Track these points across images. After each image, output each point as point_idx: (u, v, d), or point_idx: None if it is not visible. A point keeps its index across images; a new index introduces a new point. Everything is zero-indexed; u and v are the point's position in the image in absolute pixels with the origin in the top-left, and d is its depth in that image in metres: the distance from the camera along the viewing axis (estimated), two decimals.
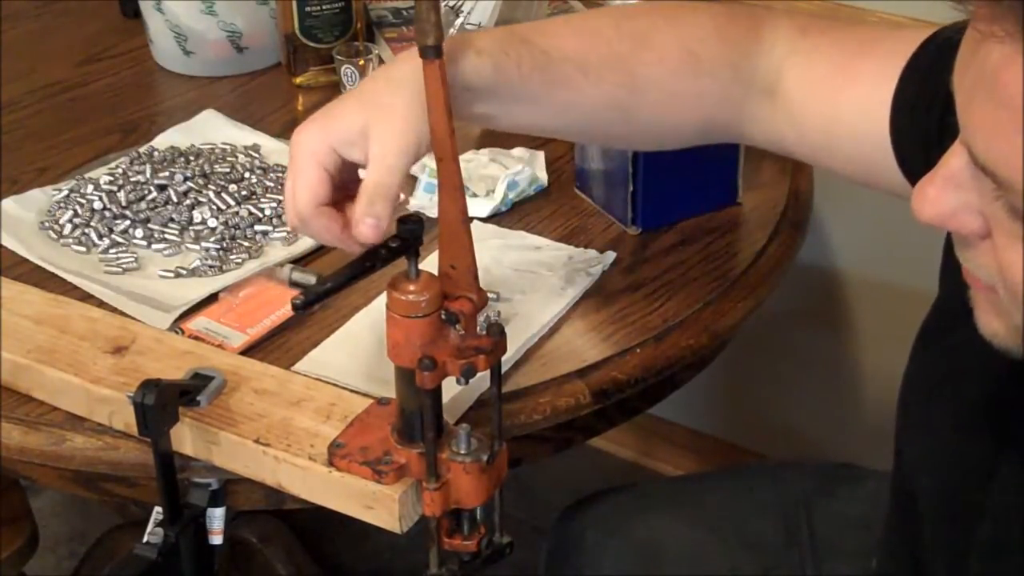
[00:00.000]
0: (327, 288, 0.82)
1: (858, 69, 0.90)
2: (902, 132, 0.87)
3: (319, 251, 1.20)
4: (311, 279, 1.12)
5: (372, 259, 0.83)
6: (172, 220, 1.22)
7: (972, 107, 0.60)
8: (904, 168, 0.88)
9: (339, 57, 1.46)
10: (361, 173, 0.87)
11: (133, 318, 1.09)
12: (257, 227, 1.22)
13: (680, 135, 1.00)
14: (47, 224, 1.23)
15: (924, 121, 0.84)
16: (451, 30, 1.46)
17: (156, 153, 1.33)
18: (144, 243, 1.20)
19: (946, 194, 0.64)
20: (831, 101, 0.91)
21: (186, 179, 1.25)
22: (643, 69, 0.94)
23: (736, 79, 0.94)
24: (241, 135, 1.39)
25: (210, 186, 1.25)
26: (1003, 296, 0.64)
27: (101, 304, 1.11)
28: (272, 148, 1.36)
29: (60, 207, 1.25)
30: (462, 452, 0.86)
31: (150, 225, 1.22)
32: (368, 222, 0.83)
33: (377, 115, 0.86)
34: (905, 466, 0.90)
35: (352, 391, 0.99)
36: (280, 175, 1.29)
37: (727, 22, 0.96)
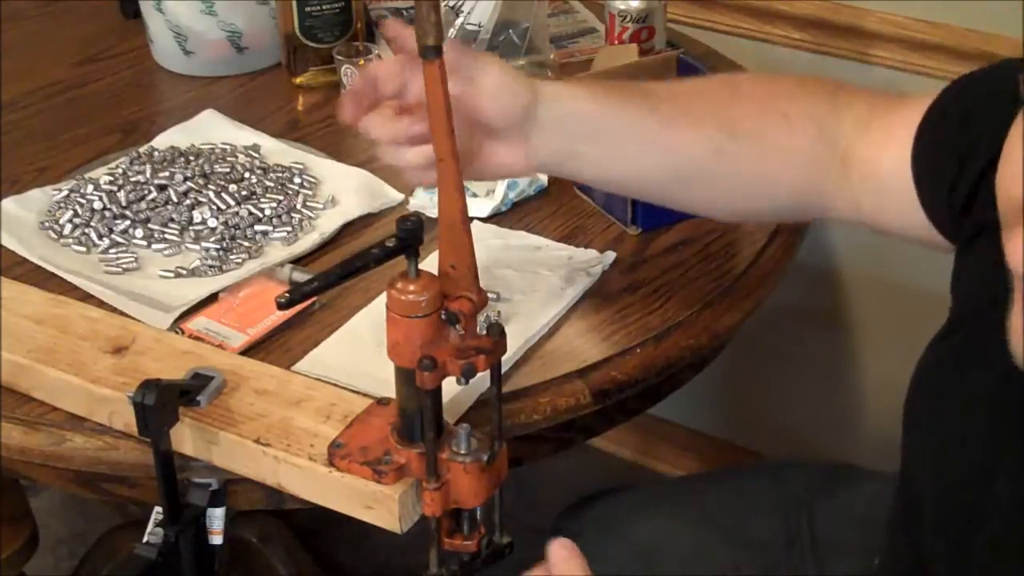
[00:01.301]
0: (314, 287, 0.83)
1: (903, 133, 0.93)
2: (922, 170, 0.89)
3: (319, 251, 1.20)
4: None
5: (364, 259, 0.83)
6: (172, 220, 1.22)
7: None
8: (925, 205, 0.90)
9: (339, 57, 1.46)
10: None
11: (133, 318, 1.09)
12: (257, 227, 1.22)
13: (772, 197, 1.01)
14: (47, 224, 1.23)
15: (942, 158, 0.86)
16: (451, 30, 1.46)
17: (156, 153, 1.33)
18: (144, 243, 1.20)
19: None
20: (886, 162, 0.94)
21: (186, 179, 1.25)
22: (740, 119, 0.97)
23: (821, 140, 0.96)
24: (241, 135, 1.39)
25: (210, 186, 1.25)
26: None
27: (101, 304, 1.11)
28: (272, 148, 1.36)
29: (60, 207, 1.25)
30: (462, 452, 0.86)
31: (150, 225, 1.22)
32: None
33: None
34: (909, 465, 0.90)
35: (352, 391, 0.99)
36: (280, 175, 1.29)
37: (814, 87, 1.00)
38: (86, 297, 1.12)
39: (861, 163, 0.95)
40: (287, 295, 0.82)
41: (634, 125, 0.97)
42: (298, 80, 1.53)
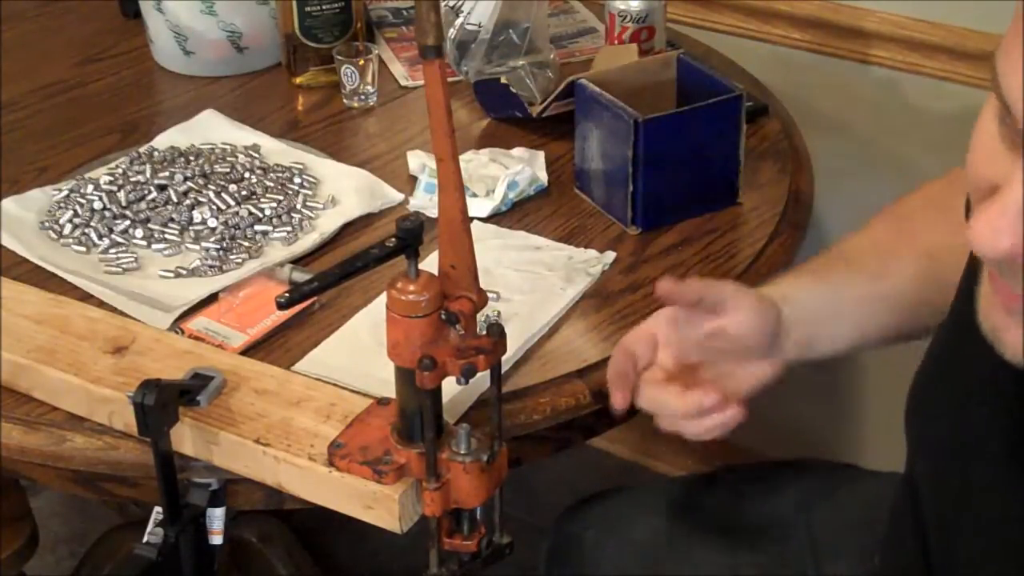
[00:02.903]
0: (314, 287, 0.82)
1: None
2: None
3: (319, 251, 1.20)
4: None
5: (363, 259, 0.83)
6: (172, 220, 1.22)
7: None
8: None
9: (339, 57, 1.46)
10: None
11: (133, 318, 1.09)
12: (257, 227, 1.22)
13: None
14: (47, 224, 1.23)
15: None
16: (451, 30, 1.46)
17: (156, 153, 1.33)
18: (144, 243, 1.20)
19: (1021, 223, 0.60)
20: None
21: (186, 179, 1.25)
22: (929, 235, 0.99)
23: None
24: (241, 135, 1.39)
25: (210, 186, 1.25)
26: None
27: (101, 304, 1.11)
28: (272, 148, 1.36)
29: (60, 207, 1.25)
30: (462, 452, 0.86)
31: (150, 225, 1.22)
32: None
33: None
34: (910, 455, 0.90)
35: (352, 391, 0.99)
36: (280, 175, 1.29)
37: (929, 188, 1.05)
38: (86, 297, 1.12)
39: None
40: (287, 295, 0.82)
41: (856, 290, 1.00)
42: (298, 80, 1.53)
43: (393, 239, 0.83)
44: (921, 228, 1.01)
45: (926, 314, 0.97)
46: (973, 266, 0.73)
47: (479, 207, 1.24)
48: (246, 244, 1.20)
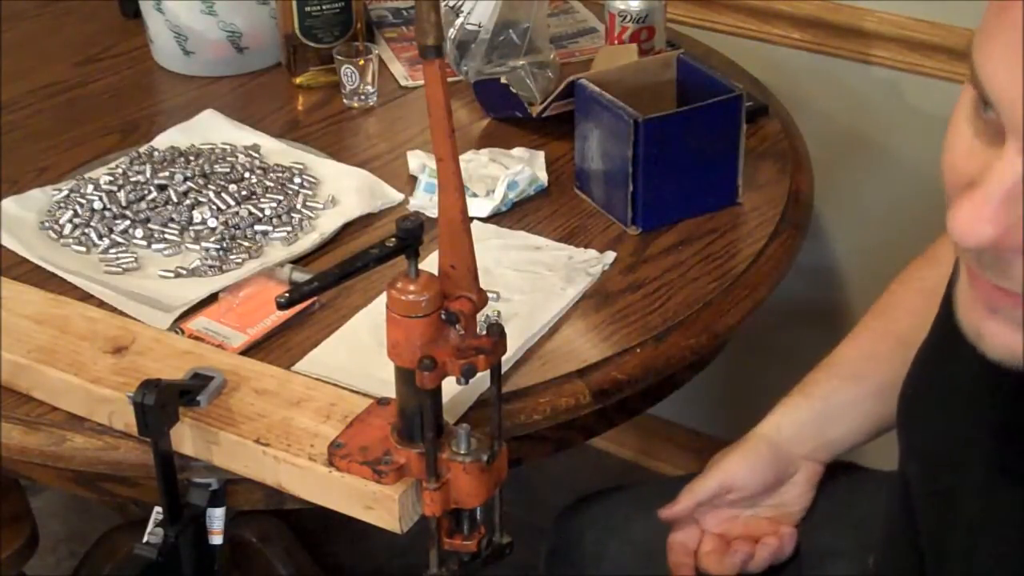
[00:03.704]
0: (314, 287, 0.82)
1: None
2: None
3: (319, 251, 1.20)
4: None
5: (364, 259, 0.83)
6: (172, 220, 1.22)
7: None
8: None
9: (339, 57, 1.46)
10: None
11: (133, 318, 1.09)
12: (257, 227, 1.22)
13: None
14: (47, 224, 1.23)
15: None
16: (451, 30, 1.46)
17: (156, 153, 1.33)
18: (144, 243, 1.20)
19: (1004, 211, 0.59)
20: None
21: (186, 179, 1.25)
22: (907, 320, 1.06)
23: None
24: (241, 135, 1.39)
25: (210, 186, 1.25)
26: None
27: (101, 304, 1.11)
28: (272, 148, 1.36)
29: (60, 207, 1.25)
30: (462, 452, 0.86)
31: (150, 225, 1.22)
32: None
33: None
34: (902, 457, 0.91)
35: (352, 391, 0.99)
36: (280, 175, 1.29)
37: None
38: (86, 297, 1.12)
39: None
40: (287, 295, 0.82)
41: (843, 396, 1.11)
42: (298, 80, 1.53)
43: (393, 239, 0.83)
44: (902, 316, 1.10)
45: None
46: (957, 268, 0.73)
47: (479, 207, 1.24)
48: (246, 244, 1.20)
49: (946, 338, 0.82)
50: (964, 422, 0.82)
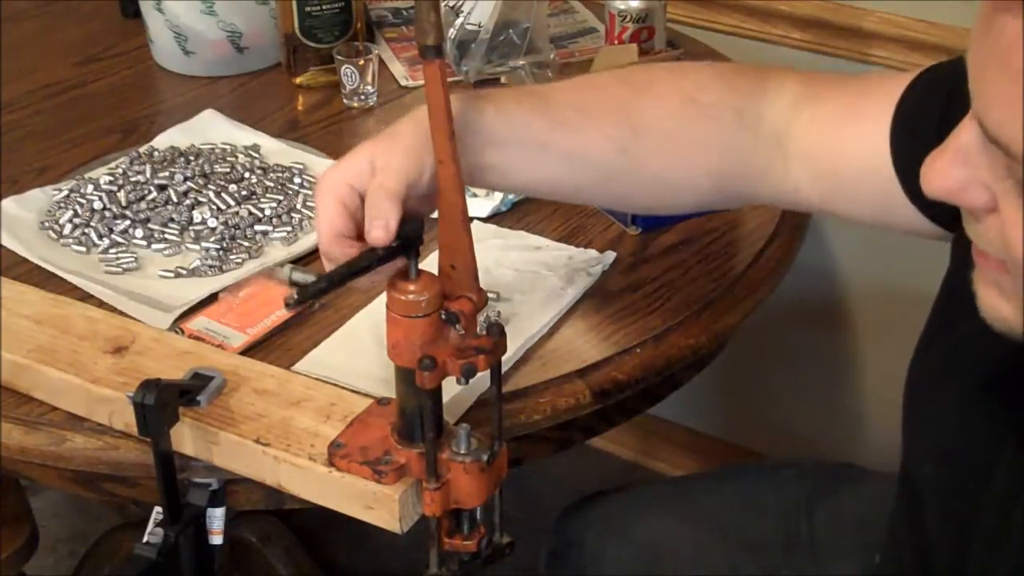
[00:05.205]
0: (321, 287, 0.82)
1: (861, 107, 0.91)
2: (902, 157, 0.87)
3: (319, 251, 1.20)
4: (311, 279, 1.11)
5: (368, 259, 0.83)
6: (172, 220, 1.22)
7: (985, 80, 0.60)
8: (911, 195, 0.88)
9: (339, 57, 1.46)
10: None
11: (133, 318, 1.09)
12: (257, 227, 1.22)
13: (694, 189, 0.97)
14: (47, 224, 1.23)
15: (921, 143, 0.84)
16: (451, 30, 1.46)
17: (156, 153, 1.33)
18: (144, 243, 1.20)
19: (955, 168, 0.64)
20: (839, 141, 0.91)
21: (186, 179, 1.25)
22: (642, 113, 0.94)
23: (742, 126, 0.94)
24: (241, 135, 1.39)
25: (210, 186, 1.25)
26: (1010, 273, 0.64)
27: (101, 304, 1.11)
28: (272, 148, 1.36)
29: (60, 207, 1.25)
30: (462, 452, 0.86)
31: (150, 225, 1.22)
32: (376, 223, 0.83)
33: (383, 144, 0.88)
34: (910, 457, 0.90)
35: (352, 391, 0.99)
36: (280, 175, 1.29)
37: (731, 74, 0.98)
38: (86, 297, 1.12)
39: (805, 146, 0.93)
40: (295, 296, 0.81)
41: (530, 131, 0.93)
42: (298, 80, 1.53)
43: (393, 240, 0.83)
44: (645, 106, 0.95)
45: (612, 186, 0.96)
46: (960, 257, 0.73)
47: (479, 207, 1.24)
48: (246, 244, 1.20)
49: (969, 334, 0.81)
50: (991, 426, 0.81)
